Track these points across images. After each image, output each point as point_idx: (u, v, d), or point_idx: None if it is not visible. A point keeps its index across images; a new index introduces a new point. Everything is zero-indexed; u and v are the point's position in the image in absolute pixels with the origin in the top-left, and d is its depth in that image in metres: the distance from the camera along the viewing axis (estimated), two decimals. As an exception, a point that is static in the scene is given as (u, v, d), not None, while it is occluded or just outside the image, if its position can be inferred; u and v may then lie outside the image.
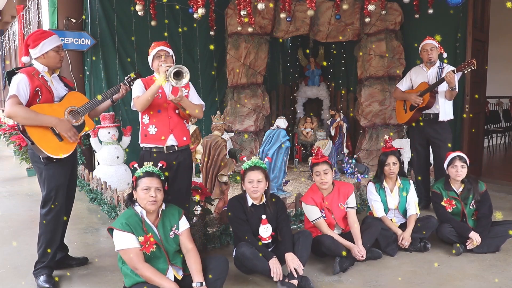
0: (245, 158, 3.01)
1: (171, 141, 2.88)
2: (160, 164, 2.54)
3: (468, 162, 3.35)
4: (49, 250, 2.76)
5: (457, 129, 5.54)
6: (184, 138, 2.96)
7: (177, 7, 5.96)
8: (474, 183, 3.34)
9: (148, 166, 2.49)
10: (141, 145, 2.93)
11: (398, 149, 3.53)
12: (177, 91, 2.84)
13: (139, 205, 2.42)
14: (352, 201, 3.24)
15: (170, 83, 2.67)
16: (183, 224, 2.54)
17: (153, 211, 2.43)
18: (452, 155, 3.39)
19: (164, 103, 2.87)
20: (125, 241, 2.30)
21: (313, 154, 3.25)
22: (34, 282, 2.77)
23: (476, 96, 5.38)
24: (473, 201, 3.33)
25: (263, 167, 2.93)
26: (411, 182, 3.51)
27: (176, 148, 2.90)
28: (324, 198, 3.18)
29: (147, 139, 2.87)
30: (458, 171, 3.30)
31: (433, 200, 3.51)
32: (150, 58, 2.95)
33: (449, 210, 3.36)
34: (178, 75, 2.66)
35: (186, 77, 2.67)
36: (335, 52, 7.20)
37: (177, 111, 2.90)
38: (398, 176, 3.45)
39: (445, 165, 3.43)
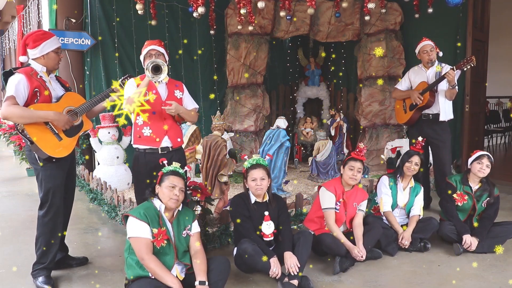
0: (246, 157, 3.02)
1: (166, 142, 2.89)
2: (187, 168, 2.62)
3: (492, 164, 3.39)
4: (45, 248, 2.76)
5: (457, 129, 5.54)
6: (178, 140, 2.97)
7: None
8: (491, 186, 3.40)
9: (176, 166, 2.56)
10: (134, 145, 2.92)
11: (398, 149, 3.54)
12: (172, 95, 2.83)
13: (160, 200, 2.47)
14: (363, 205, 3.28)
15: (147, 76, 2.64)
16: (195, 227, 2.61)
17: (171, 209, 2.49)
18: (481, 152, 3.42)
19: (159, 106, 2.85)
20: (139, 230, 2.34)
21: (357, 149, 3.25)
22: (33, 283, 2.77)
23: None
24: (486, 200, 3.36)
25: (265, 165, 2.95)
26: (422, 187, 3.55)
27: (170, 149, 2.91)
28: (344, 192, 3.21)
29: (141, 140, 2.86)
30: (483, 168, 3.34)
31: (445, 191, 3.52)
32: (142, 57, 2.95)
33: (459, 204, 3.38)
34: (157, 70, 2.65)
35: (164, 72, 2.65)
36: (335, 52, 7.20)
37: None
38: (412, 178, 3.50)
39: (470, 160, 3.46)
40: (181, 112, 2.86)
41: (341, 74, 7.21)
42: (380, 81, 5.93)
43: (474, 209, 3.38)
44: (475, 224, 3.32)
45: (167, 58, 2.97)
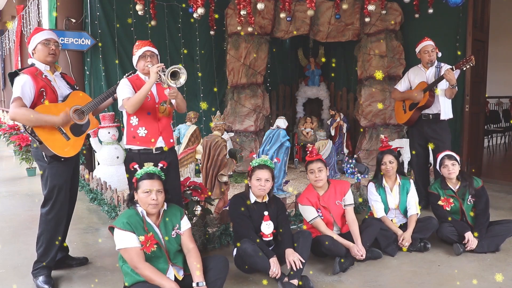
0: (254, 156, 3.03)
1: (160, 143, 2.89)
2: (160, 164, 2.53)
3: (458, 159, 3.40)
4: (46, 246, 2.76)
5: (457, 129, 5.54)
6: (171, 140, 2.98)
7: (183, 5, 5.93)
8: (469, 179, 3.39)
9: (149, 167, 2.48)
10: (127, 146, 2.89)
11: (398, 149, 3.53)
12: (162, 93, 2.86)
13: (140, 206, 2.42)
14: (349, 198, 3.24)
15: (169, 84, 2.64)
16: (185, 223, 2.55)
17: (154, 213, 2.43)
18: (440, 156, 3.45)
19: (154, 105, 2.86)
20: (126, 240, 2.31)
21: (307, 152, 3.26)
22: (33, 282, 2.77)
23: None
24: (469, 196, 3.36)
25: (271, 167, 2.96)
26: (412, 181, 3.51)
27: (163, 149, 2.91)
28: (320, 197, 3.19)
29: (136, 141, 2.85)
30: (450, 169, 3.35)
31: (431, 201, 3.52)
32: (135, 58, 2.93)
33: (447, 209, 3.37)
34: (174, 75, 2.65)
35: (183, 76, 2.65)
36: (335, 52, 7.20)
37: (165, 105, 2.87)
38: (397, 175, 3.47)
39: (437, 167, 3.48)
40: (178, 98, 2.83)
41: (341, 74, 7.21)
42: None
43: (462, 209, 3.37)
44: (475, 234, 3.27)
45: (159, 58, 2.97)
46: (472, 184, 3.36)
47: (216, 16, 5.69)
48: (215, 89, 6.51)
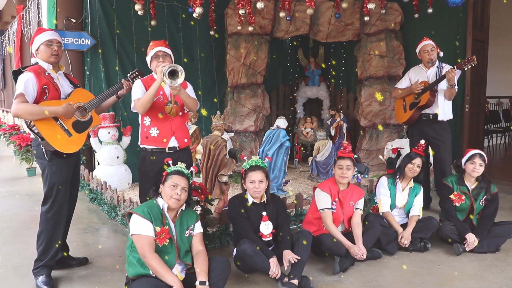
0: (245, 158, 3.03)
1: (173, 143, 2.91)
2: (192, 169, 2.62)
3: (486, 161, 3.39)
4: (46, 245, 2.76)
5: (457, 129, 5.54)
6: (185, 140, 2.99)
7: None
8: (488, 183, 3.40)
9: (181, 166, 2.58)
10: (141, 146, 2.94)
11: (398, 149, 3.53)
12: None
13: (162, 198, 2.49)
14: (361, 203, 3.28)
15: (165, 82, 2.66)
16: (198, 227, 2.62)
17: (174, 209, 2.50)
18: (472, 152, 3.43)
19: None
20: (142, 227, 2.36)
21: (341, 148, 3.29)
22: (33, 282, 2.77)
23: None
24: (484, 198, 3.36)
25: (264, 167, 2.95)
26: (422, 188, 3.54)
27: (177, 149, 2.93)
28: (340, 191, 3.22)
29: (149, 141, 2.89)
30: (476, 167, 3.34)
31: (441, 193, 3.54)
32: (148, 58, 2.96)
33: (456, 205, 3.38)
34: (173, 74, 2.66)
35: (181, 76, 2.67)
36: (335, 52, 7.20)
37: (170, 104, 2.86)
38: (411, 179, 3.50)
39: (462, 160, 3.46)
40: (182, 94, 2.81)
41: (341, 74, 7.21)
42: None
43: (472, 208, 3.38)
44: (475, 222, 3.30)
45: (173, 58, 2.98)
46: (490, 188, 3.38)
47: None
48: (215, 88, 6.50)
